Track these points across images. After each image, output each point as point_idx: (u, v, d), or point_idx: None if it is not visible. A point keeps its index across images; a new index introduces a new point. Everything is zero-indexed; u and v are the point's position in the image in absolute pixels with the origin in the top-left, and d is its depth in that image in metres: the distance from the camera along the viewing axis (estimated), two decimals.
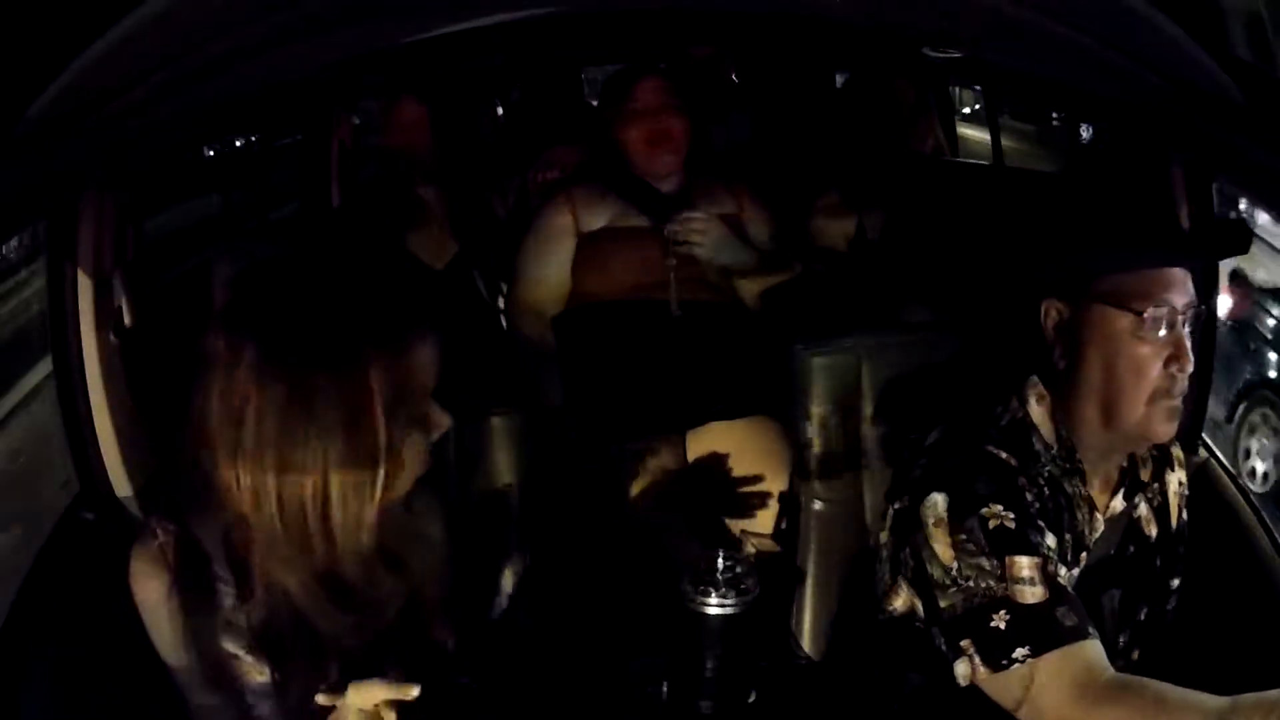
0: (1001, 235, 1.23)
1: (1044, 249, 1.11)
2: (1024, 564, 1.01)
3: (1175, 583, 1.22)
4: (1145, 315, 1.02)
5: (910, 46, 2.06)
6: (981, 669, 1.01)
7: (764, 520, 1.65)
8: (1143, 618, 1.20)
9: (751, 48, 2.77)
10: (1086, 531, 1.12)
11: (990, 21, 1.04)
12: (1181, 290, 1.04)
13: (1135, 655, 1.22)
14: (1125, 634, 1.19)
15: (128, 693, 1.20)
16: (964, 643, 1.03)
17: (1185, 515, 1.22)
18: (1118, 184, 1.10)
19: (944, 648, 1.07)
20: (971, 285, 1.31)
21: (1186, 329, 1.04)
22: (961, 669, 1.03)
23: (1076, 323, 1.07)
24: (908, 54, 2.10)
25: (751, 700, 1.18)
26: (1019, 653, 0.99)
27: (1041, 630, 0.99)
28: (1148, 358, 1.03)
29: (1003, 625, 1.00)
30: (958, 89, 3.91)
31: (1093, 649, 0.99)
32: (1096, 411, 1.07)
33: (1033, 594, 1.00)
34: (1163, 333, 1.03)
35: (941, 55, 2.17)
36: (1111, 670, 0.99)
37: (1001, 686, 1.01)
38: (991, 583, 1.01)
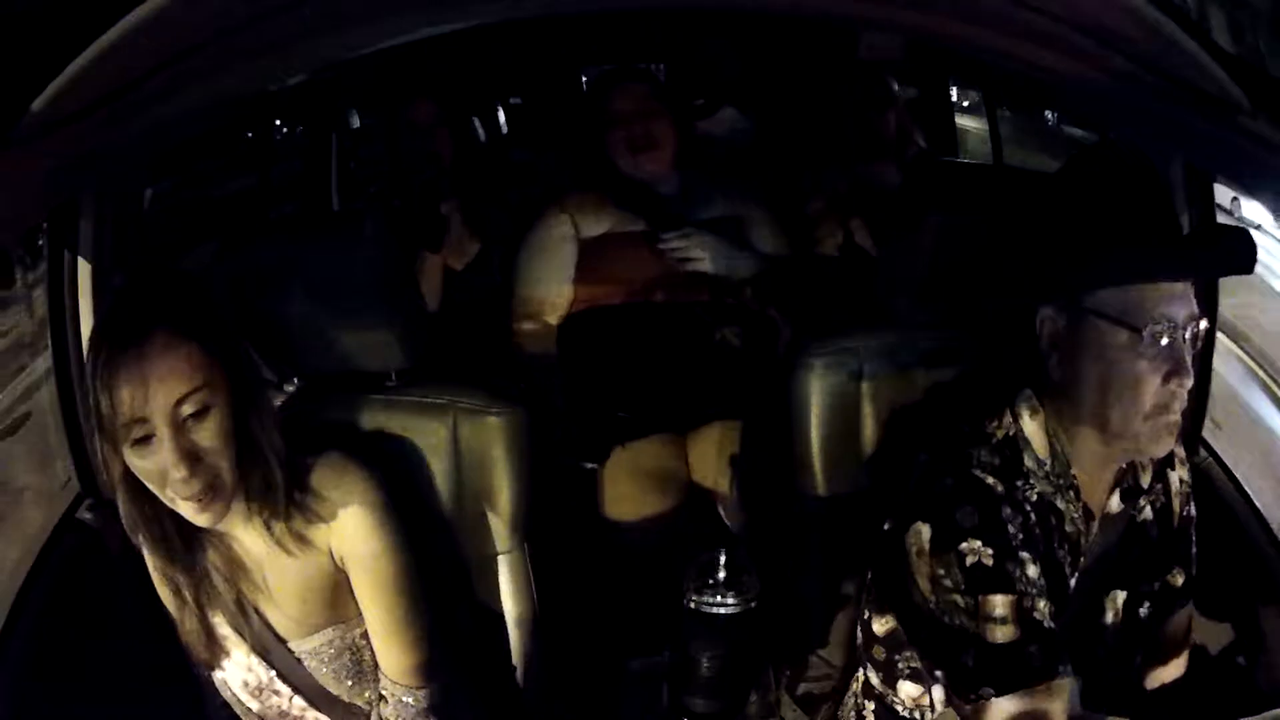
0: (994, 237, 1.19)
1: (1037, 255, 1.06)
2: (997, 603, 1.00)
3: (1180, 580, 1.21)
4: (1144, 332, 0.98)
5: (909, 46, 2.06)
6: (953, 699, 1.03)
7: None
8: (1146, 619, 1.19)
9: (748, 47, 2.77)
10: (1082, 541, 1.11)
11: (989, 21, 1.04)
12: (1182, 303, 1.00)
13: (1138, 656, 1.21)
14: (1129, 634, 1.19)
15: (128, 691, 1.20)
16: (938, 672, 1.05)
17: (1190, 510, 1.20)
18: (1113, 186, 1.05)
19: (921, 669, 1.09)
20: (966, 290, 1.29)
21: (1187, 343, 1.00)
22: (937, 694, 1.06)
23: (1072, 335, 1.04)
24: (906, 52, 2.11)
25: (752, 700, 1.18)
26: (984, 690, 1.00)
27: (1008, 670, 1.00)
28: (1145, 373, 0.99)
29: (971, 662, 1.01)
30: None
31: (1059, 690, 1.00)
32: (1093, 425, 1.05)
33: (1003, 633, 1.00)
34: (1162, 348, 0.98)
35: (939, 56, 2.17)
36: (1078, 710, 1.00)
37: (971, 717, 1.02)
38: (964, 619, 1.02)
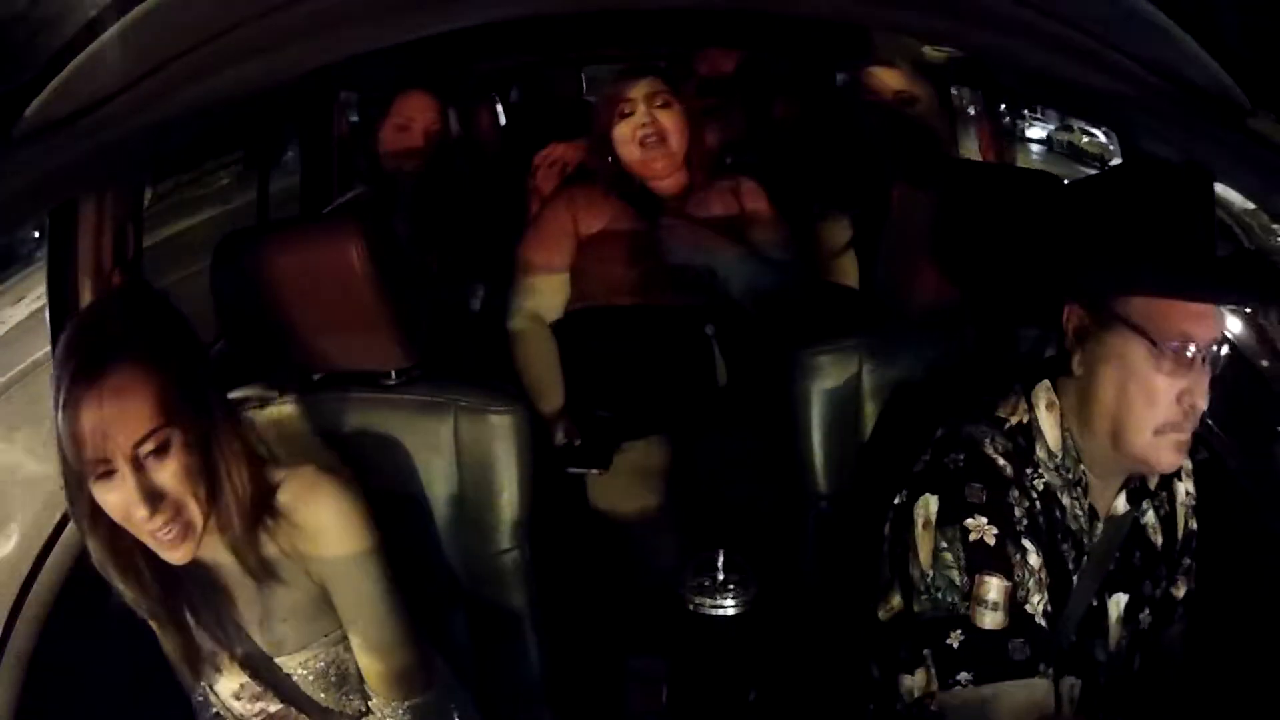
0: (1028, 238, 1.18)
1: (1074, 253, 1.08)
2: (991, 586, 1.01)
3: (1182, 592, 1.21)
4: (1161, 346, 0.99)
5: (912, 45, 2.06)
6: (934, 682, 1.02)
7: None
8: (1146, 625, 1.19)
9: (752, 48, 2.77)
10: (1086, 539, 1.11)
11: (990, 21, 1.04)
12: (1205, 325, 0.99)
13: (1137, 662, 1.21)
14: (1128, 639, 1.18)
15: (128, 692, 1.21)
16: (925, 651, 1.04)
17: (1193, 524, 1.20)
18: (1160, 202, 1.06)
19: (909, 652, 1.07)
20: (987, 285, 1.29)
21: (1206, 365, 1.00)
22: (919, 677, 1.04)
23: (1096, 334, 1.04)
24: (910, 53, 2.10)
25: (752, 700, 1.18)
26: (962, 675, 0.99)
27: (988, 658, 0.99)
28: (1160, 389, 1.00)
29: (956, 644, 1.01)
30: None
31: (1037, 689, 0.99)
32: (1106, 428, 1.05)
33: (992, 619, 1.00)
34: (1179, 366, 0.99)
35: (941, 54, 2.17)
36: (1051, 711, 0.99)
37: (947, 704, 1.02)
38: (956, 599, 1.02)
